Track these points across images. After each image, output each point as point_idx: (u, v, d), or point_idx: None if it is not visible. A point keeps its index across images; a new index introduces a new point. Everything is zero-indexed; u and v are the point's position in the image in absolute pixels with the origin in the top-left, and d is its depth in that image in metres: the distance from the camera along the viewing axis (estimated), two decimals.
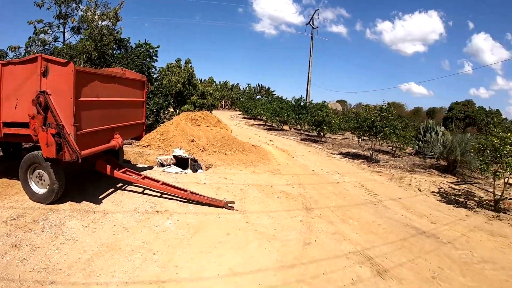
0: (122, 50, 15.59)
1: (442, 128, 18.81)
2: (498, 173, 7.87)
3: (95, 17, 14.11)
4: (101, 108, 5.41)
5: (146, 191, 5.94)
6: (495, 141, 7.99)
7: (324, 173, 9.64)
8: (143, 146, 9.84)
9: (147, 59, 15.81)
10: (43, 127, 4.59)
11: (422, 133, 17.52)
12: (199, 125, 11.75)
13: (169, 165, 8.18)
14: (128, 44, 15.79)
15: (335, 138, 21.34)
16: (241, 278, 3.61)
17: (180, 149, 8.88)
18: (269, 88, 72.28)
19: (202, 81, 31.10)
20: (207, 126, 11.98)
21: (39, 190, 5.16)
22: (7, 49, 13.54)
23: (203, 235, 4.59)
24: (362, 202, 6.99)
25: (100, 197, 5.46)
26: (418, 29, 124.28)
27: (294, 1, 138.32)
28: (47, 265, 3.56)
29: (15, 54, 13.68)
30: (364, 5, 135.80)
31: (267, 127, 26.06)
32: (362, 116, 14.09)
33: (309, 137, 20.14)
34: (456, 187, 9.97)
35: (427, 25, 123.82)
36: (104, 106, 5.52)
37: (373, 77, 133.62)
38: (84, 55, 13.17)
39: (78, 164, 4.83)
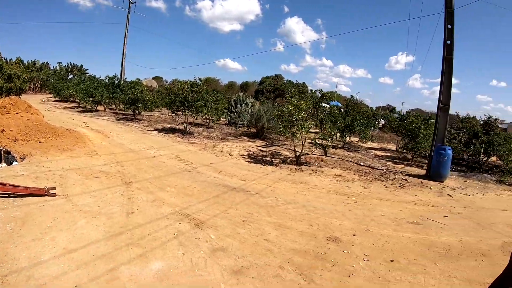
0: None
1: (252, 99, 21.57)
2: (295, 133, 10.02)
3: None
4: None
5: None
6: (291, 108, 10.10)
7: (141, 149, 10.22)
8: None
9: None
10: None
11: (234, 104, 19.70)
12: (8, 113, 10.75)
13: None
14: None
15: (151, 115, 22.01)
16: (76, 254, 3.95)
17: None
18: (81, 67, 67.85)
19: (9, 61, 27.17)
20: (17, 113, 11.04)
21: None
22: None
23: (32, 224, 4.70)
24: (178, 171, 7.88)
25: None
26: (236, 9, 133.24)
27: None
28: None
29: None
30: None
31: (81, 109, 24.86)
32: (174, 92, 15.08)
33: (124, 116, 20.26)
34: (264, 149, 12.07)
35: (245, 6, 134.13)
36: None
37: (191, 54, 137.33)
38: None
39: None
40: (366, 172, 10.94)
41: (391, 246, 5.33)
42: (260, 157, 10.61)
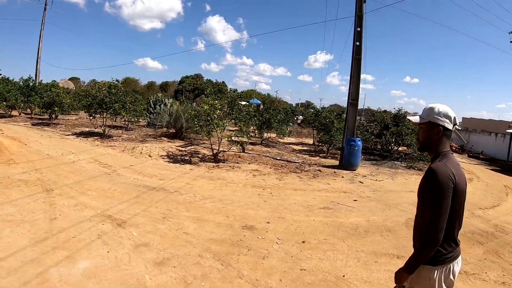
0: None
1: (171, 99, 21.63)
2: (211, 132, 10.51)
3: None
4: None
5: None
6: (206, 107, 10.56)
7: (59, 155, 10.02)
8: None
9: None
10: None
11: (153, 105, 19.66)
12: None
13: None
14: None
15: (68, 119, 21.08)
16: (5, 262, 3.90)
17: None
18: None
19: None
20: None
21: None
22: None
23: None
24: (98, 175, 7.96)
25: None
26: (158, 7, 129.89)
27: None
28: None
29: None
30: None
31: None
32: (92, 94, 14.75)
33: (41, 121, 19.18)
34: (183, 149, 12.41)
35: (166, 4, 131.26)
36: None
37: (110, 53, 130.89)
38: None
39: None
40: (282, 166, 11.70)
41: (303, 230, 5.96)
42: (179, 157, 10.96)
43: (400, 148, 18.51)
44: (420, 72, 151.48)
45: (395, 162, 15.80)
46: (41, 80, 28.85)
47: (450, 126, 2.44)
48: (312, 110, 25.43)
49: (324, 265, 4.72)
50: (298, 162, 12.91)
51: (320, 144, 17.48)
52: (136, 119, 17.34)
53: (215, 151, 11.10)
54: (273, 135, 19.99)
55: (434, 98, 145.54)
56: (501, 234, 7.29)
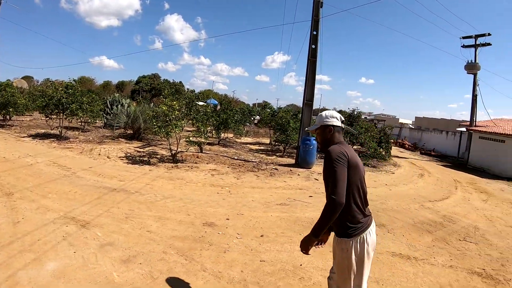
0: None
1: (128, 100, 21.33)
2: (169, 133, 10.63)
3: None
4: None
5: None
6: (164, 108, 10.66)
7: (16, 158, 9.77)
8: None
9: None
10: None
11: (109, 106, 19.33)
12: None
13: None
14: None
15: (22, 120, 20.27)
16: None
17: None
18: None
19: None
20: None
21: None
22: None
23: None
24: (57, 177, 7.90)
25: None
26: (115, 3, 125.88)
27: None
28: None
29: None
30: None
31: None
32: (48, 94, 14.34)
33: None
34: (142, 150, 12.44)
35: (124, 0, 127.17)
36: None
37: (65, 51, 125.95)
38: None
39: None
40: (239, 165, 12.00)
41: (261, 225, 6.26)
42: (138, 158, 11.01)
43: (355, 147, 19.23)
44: (376, 74, 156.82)
45: None
46: None
47: (338, 123, 2.95)
48: (269, 110, 25.84)
49: (282, 256, 5.02)
50: (255, 161, 13.23)
51: (276, 143, 17.86)
52: (93, 120, 17.04)
53: (173, 152, 11.21)
54: (231, 135, 20.24)
55: (388, 98, 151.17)
56: (449, 223, 7.84)
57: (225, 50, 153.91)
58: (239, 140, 19.96)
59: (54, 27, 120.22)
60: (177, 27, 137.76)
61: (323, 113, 3.04)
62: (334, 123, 2.95)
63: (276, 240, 5.63)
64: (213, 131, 18.11)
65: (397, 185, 12.07)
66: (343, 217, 2.72)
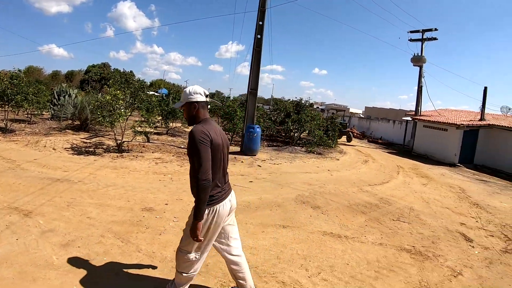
0: None
1: (76, 90, 20.76)
2: (114, 122, 10.72)
3: None
4: None
5: None
6: (108, 97, 10.71)
7: None
8: None
9: None
10: None
11: (57, 97, 18.71)
12: None
13: None
14: None
15: None
16: None
17: None
18: None
19: None
20: None
21: None
22: None
23: None
24: (1, 170, 7.78)
25: None
26: None
27: None
28: None
29: None
30: None
31: None
32: None
33: None
34: (88, 140, 12.45)
35: None
36: None
37: (12, 38, 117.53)
38: None
39: None
40: (185, 153, 12.22)
41: None
42: (83, 148, 11.03)
43: (302, 135, 19.86)
44: (328, 65, 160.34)
45: (296, 147, 17.07)
46: None
47: (202, 99, 3.08)
48: (217, 99, 26.03)
49: None
50: None
51: (224, 132, 18.14)
52: (39, 112, 16.64)
53: (119, 142, 11.31)
54: (179, 124, 20.35)
55: (341, 89, 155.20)
56: (385, 205, 8.36)
57: (178, 39, 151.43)
58: (188, 130, 20.07)
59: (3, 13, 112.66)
60: (130, 14, 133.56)
61: (187, 89, 3.12)
62: (198, 99, 3.04)
63: None
64: (162, 121, 18.14)
65: (340, 171, 12.67)
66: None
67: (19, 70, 15.06)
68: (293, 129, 18.71)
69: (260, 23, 14.02)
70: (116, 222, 5.52)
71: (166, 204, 6.68)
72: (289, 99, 22.11)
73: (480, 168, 18.60)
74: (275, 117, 20.99)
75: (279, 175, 10.63)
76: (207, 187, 2.76)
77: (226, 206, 3.11)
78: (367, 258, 5.21)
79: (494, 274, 5.20)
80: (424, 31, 24.22)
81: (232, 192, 3.31)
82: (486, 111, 21.23)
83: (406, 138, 25.78)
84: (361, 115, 40.88)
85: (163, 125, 18.13)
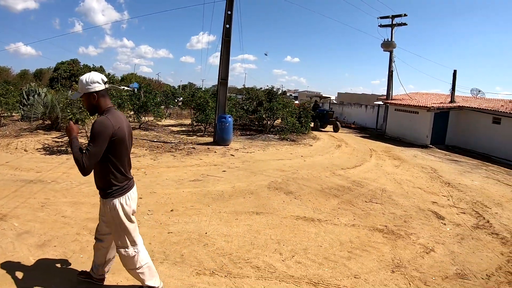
0: None
1: (45, 89, 20.18)
2: (85, 119, 10.53)
3: None
4: None
5: None
6: None
7: None
8: None
9: None
10: None
11: (26, 97, 18.14)
12: None
13: None
14: None
15: None
16: None
17: None
18: None
19: None
20: None
21: None
22: None
23: None
24: None
25: None
26: None
27: None
28: None
29: None
30: None
31: None
32: None
33: None
34: (60, 140, 12.23)
35: None
36: None
37: None
38: None
39: None
40: (158, 147, 12.26)
41: (172, 201, 6.65)
42: (55, 148, 10.85)
43: (275, 123, 19.96)
44: (301, 52, 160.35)
45: (269, 135, 17.19)
46: None
47: (101, 87, 2.91)
48: (188, 91, 25.84)
49: (189, 227, 5.47)
50: (174, 142, 13.52)
51: (197, 123, 18.10)
52: (9, 113, 16.16)
53: None
54: (152, 118, 20.22)
55: (314, 75, 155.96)
56: (357, 187, 8.56)
57: (149, 31, 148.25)
58: (161, 123, 19.87)
59: None
60: (98, 8, 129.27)
61: (83, 79, 2.89)
62: (97, 88, 2.88)
63: (185, 213, 6.05)
64: (133, 115, 17.93)
65: (313, 156, 12.90)
66: (109, 180, 2.97)
67: None
68: (265, 117, 18.81)
69: (229, 12, 13.95)
70: (91, 219, 5.52)
71: (140, 198, 6.65)
72: (261, 88, 22.13)
73: (451, 148, 19.16)
74: (248, 106, 21.01)
75: (252, 163, 10.75)
76: (82, 175, 2.78)
77: (134, 193, 3.21)
78: (340, 240, 5.38)
79: (466, 249, 5.45)
80: (393, 16, 24.46)
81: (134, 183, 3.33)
82: (457, 93, 21.77)
83: (378, 122, 26.16)
84: (334, 101, 41.40)
85: (135, 120, 17.92)
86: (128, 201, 3.07)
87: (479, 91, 23.72)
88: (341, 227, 5.89)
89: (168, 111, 25.00)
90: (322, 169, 10.48)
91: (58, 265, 4.11)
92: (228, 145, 13.77)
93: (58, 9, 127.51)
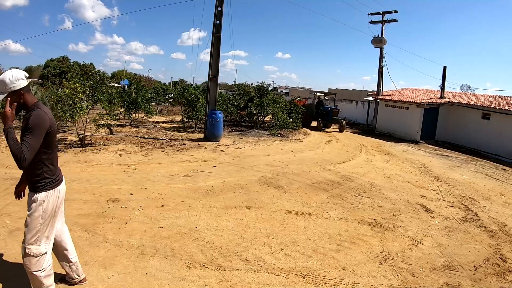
0: None
1: (35, 86, 19.93)
2: (75, 116, 10.46)
3: None
4: None
5: None
6: (68, 91, 10.41)
7: None
8: None
9: None
10: None
11: None
12: None
13: None
14: None
15: None
16: None
17: None
18: None
19: None
20: None
21: None
22: None
23: None
24: None
25: None
26: None
27: None
28: None
29: None
30: None
31: None
32: None
33: None
34: None
35: None
36: None
37: None
38: None
39: None
40: (148, 143, 12.19)
41: (163, 196, 6.63)
42: None
43: (266, 118, 19.94)
44: (292, 49, 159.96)
45: (260, 131, 17.13)
46: None
47: (25, 83, 2.78)
48: (179, 88, 25.69)
49: (179, 221, 5.48)
50: (165, 139, 13.46)
51: (188, 120, 18.03)
52: None
53: (81, 136, 11.08)
54: (142, 115, 20.11)
55: (305, 72, 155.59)
56: (347, 182, 8.60)
57: (139, 27, 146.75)
58: (151, 120, 19.73)
59: None
60: (88, 4, 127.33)
61: (5, 78, 2.70)
62: (22, 85, 2.76)
63: (175, 208, 6.06)
64: (124, 112, 17.81)
65: (303, 152, 12.93)
66: (41, 174, 2.90)
67: None
68: (256, 113, 18.78)
69: (219, 8, 13.87)
70: (82, 215, 5.51)
71: (131, 194, 6.70)
72: (252, 84, 22.08)
73: (441, 143, 19.30)
74: (238, 102, 20.98)
75: (243, 158, 10.77)
76: (23, 164, 2.61)
77: (64, 186, 3.16)
78: (329, 233, 5.43)
79: (453, 241, 5.55)
80: (384, 13, 24.43)
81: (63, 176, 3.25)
82: (447, 89, 21.99)
83: (369, 117, 26.28)
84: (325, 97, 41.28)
85: (126, 117, 17.80)
86: (59, 193, 3.03)
87: (469, 87, 23.88)
88: (330, 221, 5.94)
89: (158, 108, 24.80)
90: (312, 164, 10.53)
91: None
92: (218, 141, 13.76)
93: (48, 6, 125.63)
